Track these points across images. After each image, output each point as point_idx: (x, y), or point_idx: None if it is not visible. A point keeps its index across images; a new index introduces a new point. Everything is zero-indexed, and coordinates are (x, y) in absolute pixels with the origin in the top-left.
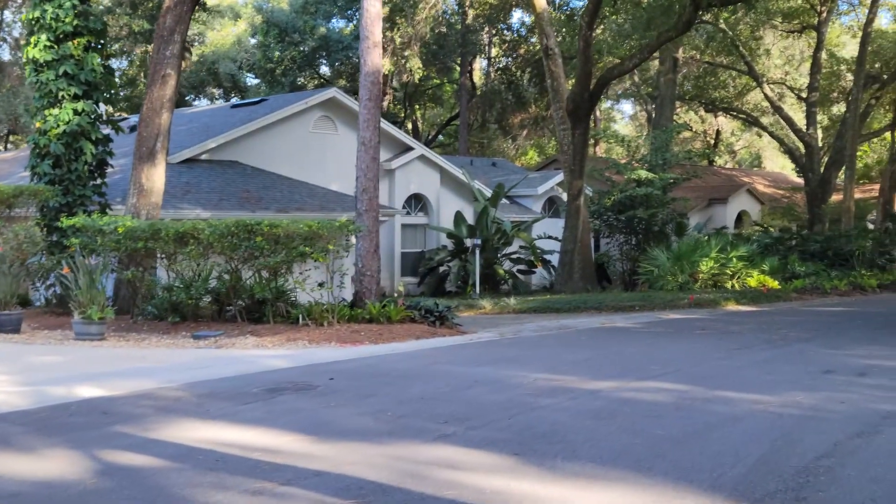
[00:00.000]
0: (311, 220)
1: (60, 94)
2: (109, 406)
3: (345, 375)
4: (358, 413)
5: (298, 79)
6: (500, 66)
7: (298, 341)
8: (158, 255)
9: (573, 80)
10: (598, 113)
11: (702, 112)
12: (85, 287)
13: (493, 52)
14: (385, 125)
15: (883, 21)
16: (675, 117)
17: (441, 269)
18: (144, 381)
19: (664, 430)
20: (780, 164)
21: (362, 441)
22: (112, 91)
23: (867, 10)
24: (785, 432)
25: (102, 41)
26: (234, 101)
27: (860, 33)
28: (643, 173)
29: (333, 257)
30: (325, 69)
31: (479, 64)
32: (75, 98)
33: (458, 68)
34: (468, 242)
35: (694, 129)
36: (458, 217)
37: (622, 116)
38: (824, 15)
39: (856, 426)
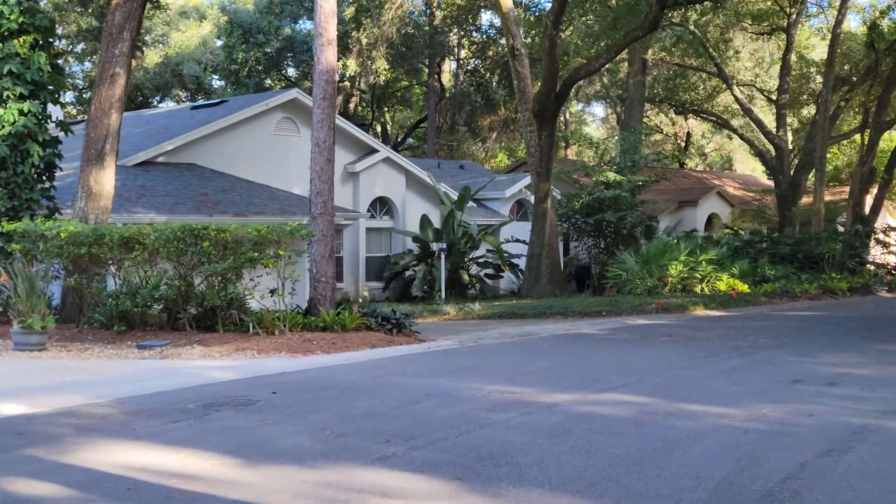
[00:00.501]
0: (260, 224)
1: (5, 93)
2: (26, 426)
3: (290, 388)
4: (295, 431)
5: (266, 80)
6: (469, 68)
7: (247, 351)
8: (107, 262)
9: (541, 82)
10: (568, 115)
11: (672, 114)
12: (24, 295)
13: (462, 53)
14: (349, 127)
15: (853, 24)
16: (645, 119)
17: (407, 273)
18: (73, 396)
19: (621, 450)
20: (750, 167)
21: (294, 464)
22: (61, 91)
23: (836, 12)
24: (750, 450)
25: (50, 39)
26: (195, 102)
27: (829, 35)
28: (611, 175)
29: (285, 263)
30: (291, 71)
31: (449, 66)
32: (21, 98)
33: (427, 70)
34: (434, 246)
35: (665, 132)
36: (425, 221)
37: (594, 119)
38: (794, 17)
39: (825, 443)
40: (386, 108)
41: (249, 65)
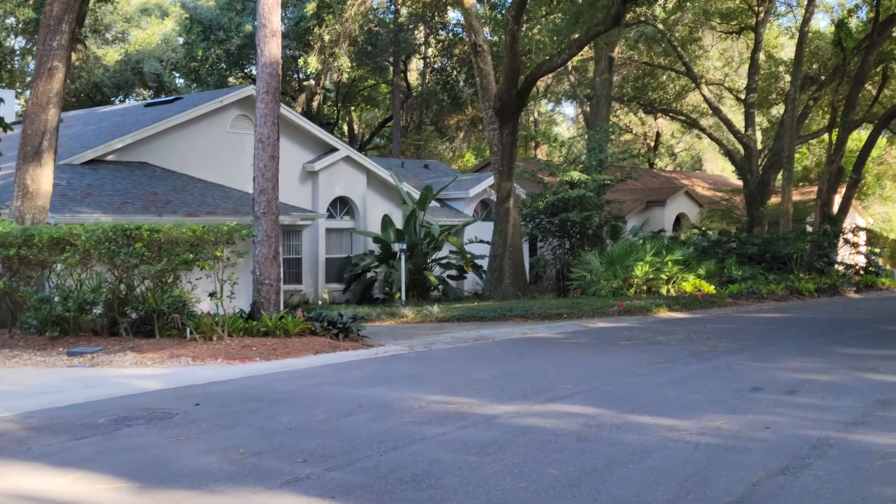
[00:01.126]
0: (211, 223)
1: None
2: None
3: (215, 400)
4: (206, 450)
5: (229, 78)
6: (436, 66)
7: (182, 358)
8: (41, 264)
9: (502, 79)
10: (537, 115)
11: (641, 114)
12: None
13: (430, 52)
14: (308, 125)
15: (822, 24)
16: (614, 119)
17: (368, 275)
18: None
19: (558, 469)
20: (720, 167)
21: (194, 489)
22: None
23: (804, 11)
24: (699, 468)
25: None
26: (149, 100)
27: (798, 34)
28: (576, 175)
29: (224, 265)
30: (253, 68)
31: (416, 64)
32: None
33: (392, 68)
34: (395, 247)
35: (634, 132)
36: (386, 221)
37: (564, 119)
38: (762, 15)
39: (780, 459)
40: (353, 107)
41: (210, 62)
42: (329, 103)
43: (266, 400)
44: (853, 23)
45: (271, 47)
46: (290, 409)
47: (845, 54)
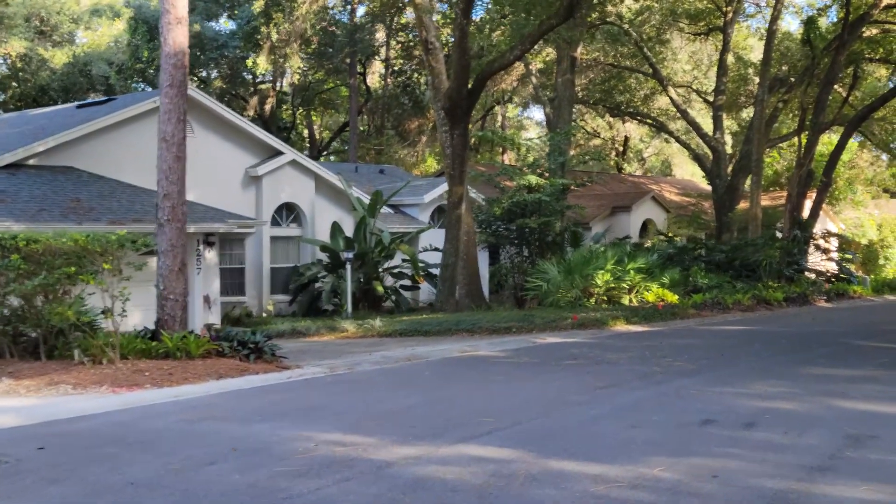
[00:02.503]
0: (79, 232)
1: None
2: None
3: (66, 441)
4: None
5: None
6: (396, 69)
7: (61, 385)
8: None
9: (452, 76)
10: (502, 119)
11: (609, 118)
12: None
13: (391, 54)
14: (250, 127)
15: (792, 26)
16: (581, 123)
17: (317, 285)
18: None
19: None
20: (690, 172)
21: None
22: None
23: (772, 9)
24: None
25: None
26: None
27: (766, 33)
28: (533, 178)
29: (117, 279)
30: (208, 72)
31: (377, 67)
32: None
33: (348, 69)
34: (343, 256)
35: (602, 136)
36: (335, 228)
37: (533, 124)
38: (730, 15)
39: None
40: (313, 111)
41: (156, 63)
42: (286, 107)
43: (125, 442)
44: (823, 23)
45: (176, 35)
46: (147, 454)
47: (814, 53)
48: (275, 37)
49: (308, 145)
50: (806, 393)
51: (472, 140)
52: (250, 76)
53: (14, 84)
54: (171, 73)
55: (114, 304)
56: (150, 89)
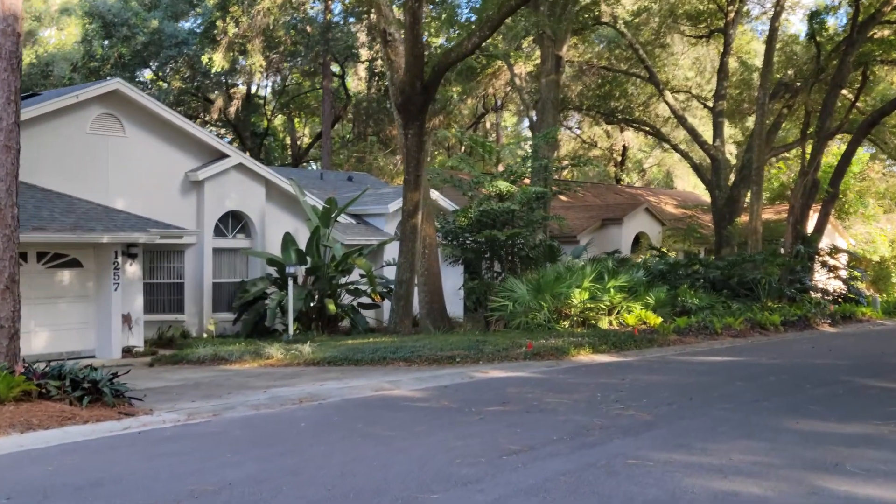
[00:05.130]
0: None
1: None
2: None
3: None
4: None
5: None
6: (378, 71)
7: None
8: None
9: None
10: (500, 129)
11: (606, 126)
12: None
13: (371, 55)
14: (190, 127)
15: (798, 28)
16: (577, 130)
17: (267, 302)
18: None
19: None
20: (692, 184)
21: None
22: None
23: (774, 4)
24: None
25: None
26: None
27: (769, 30)
28: (503, 185)
29: None
30: (165, 71)
31: (357, 70)
32: None
33: (322, 70)
34: (289, 270)
35: (599, 145)
36: (287, 239)
37: (520, 131)
38: (732, 16)
39: None
40: (295, 117)
41: (112, 61)
42: (266, 112)
43: None
44: (830, 22)
45: None
46: None
47: (820, 52)
48: (232, 31)
49: (290, 153)
50: (786, 463)
51: (430, 140)
52: (222, 77)
53: None
54: None
55: None
56: None
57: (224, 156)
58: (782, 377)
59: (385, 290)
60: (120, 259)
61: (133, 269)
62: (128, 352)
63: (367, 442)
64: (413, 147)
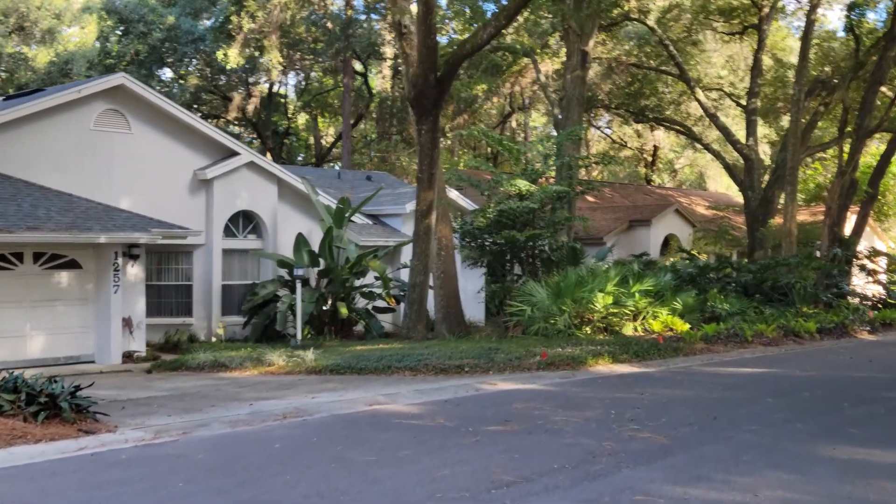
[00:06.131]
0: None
1: None
2: None
3: None
4: None
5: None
6: (401, 69)
7: None
8: None
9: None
10: (515, 126)
11: (635, 125)
12: None
13: (394, 53)
14: (199, 123)
15: (839, 27)
16: (607, 130)
17: (277, 305)
18: None
19: None
20: (725, 185)
21: None
22: None
23: None
24: None
25: None
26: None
27: (805, 22)
28: (523, 184)
29: None
30: (182, 68)
31: (382, 69)
32: None
33: (359, 70)
34: (297, 272)
35: (630, 146)
36: (300, 240)
37: (550, 132)
38: (766, 10)
39: None
40: (319, 116)
41: (128, 59)
42: (282, 110)
43: None
44: (870, 18)
45: None
46: None
47: (859, 46)
48: (247, 26)
49: (314, 153)
50: (821, 501)
51: (448, 138)
52: (242, 75)
53: None
54: None
55: None
56: None
57: (234, 153)
58: (817, 393)
59: (400, 294)
60: (120, 260)
61: (134, 271)
62: (128, 357)
63: (340, 470)
64: (426, 143)
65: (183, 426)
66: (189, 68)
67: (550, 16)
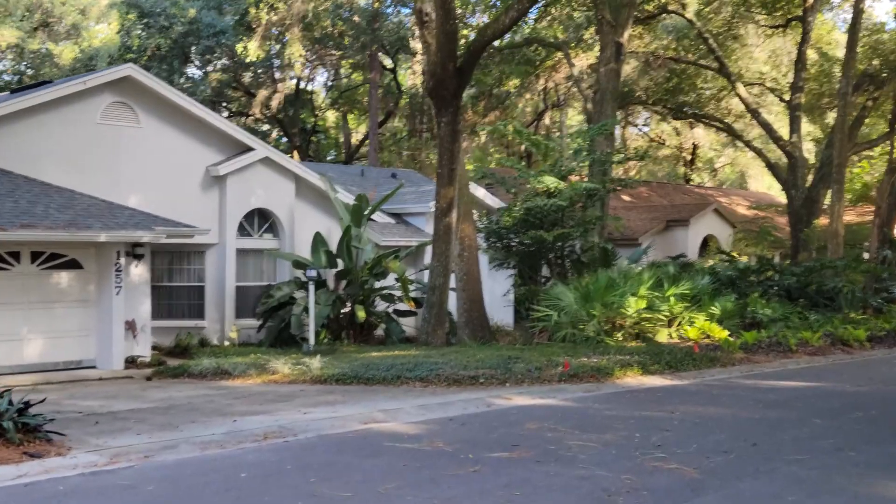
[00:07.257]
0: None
1: None
2: None
3: None
4: None
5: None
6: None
7: None
8: None
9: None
10: (563, 127)
11: (673, 122)
12: None
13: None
14: (211, 117)
15: (888, 21)
16: (645, 127)
17: (293, 308)
18: None
19: None
20: (766, 184)
21: None
22: None
23: None
24: None
25: None
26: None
27: (853, 11)
28: (551, 181)
29: None
30: (203, 63)
31: (413, 65)
32: None
33: (387, 66)
34: (311, 274)
35: (669, 144)
36: (318, 240)
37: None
38: (810, 1)
39: None
40: (349, 114)
41: (149, 53)
42: (310, 108)
43: None
44: None
45: None
46: None
47: None
48: (265, 18)
49: (345, 152)
50: None
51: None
52: (268, 70)
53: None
54: None
55: None
56: None
57: (249, 149)
58: (871, 413)
59: (421, 297)
60: (122, 260)
61: (139, 271)
62: (131, 362)
63: None
64: (446, 136)
65: (147, 448)
66: (216, 64)
67: (585, 8)
